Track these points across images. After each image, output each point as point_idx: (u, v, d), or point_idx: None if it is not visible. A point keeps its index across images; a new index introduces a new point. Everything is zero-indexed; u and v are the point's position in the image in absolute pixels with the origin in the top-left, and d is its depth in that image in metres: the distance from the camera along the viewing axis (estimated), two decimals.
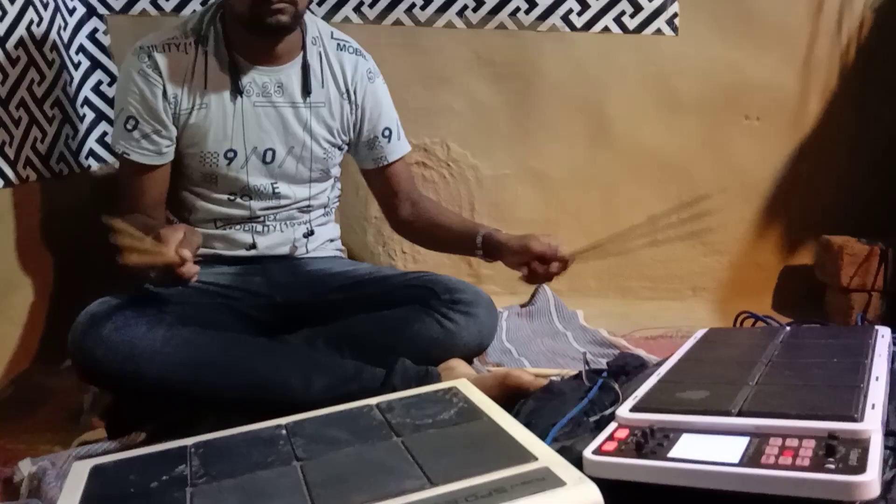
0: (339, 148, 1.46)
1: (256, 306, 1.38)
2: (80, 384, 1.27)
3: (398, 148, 1.50)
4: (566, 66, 1.88)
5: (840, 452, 0.69)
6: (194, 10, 1.72)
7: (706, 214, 1.43)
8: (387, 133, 1.47)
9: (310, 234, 1.46)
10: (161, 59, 1.29)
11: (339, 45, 1.43)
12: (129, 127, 1.30)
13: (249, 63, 1.34)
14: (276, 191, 1.40)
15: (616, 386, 0.99)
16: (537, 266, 1.32)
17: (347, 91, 1.42)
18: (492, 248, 1.40)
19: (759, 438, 0.75)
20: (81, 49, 1.68)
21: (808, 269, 1.93)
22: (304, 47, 1.37)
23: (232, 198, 1.38)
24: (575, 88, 1.90)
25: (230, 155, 1.35)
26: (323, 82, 1.40)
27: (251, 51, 1.33)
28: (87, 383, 1.22)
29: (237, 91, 1.33)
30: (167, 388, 1.15)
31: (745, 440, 0.75)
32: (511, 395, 1.09)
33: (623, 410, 0.87)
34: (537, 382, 1.11)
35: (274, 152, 1.37)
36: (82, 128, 1.67)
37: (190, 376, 1.16)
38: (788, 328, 1.20)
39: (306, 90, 1.37)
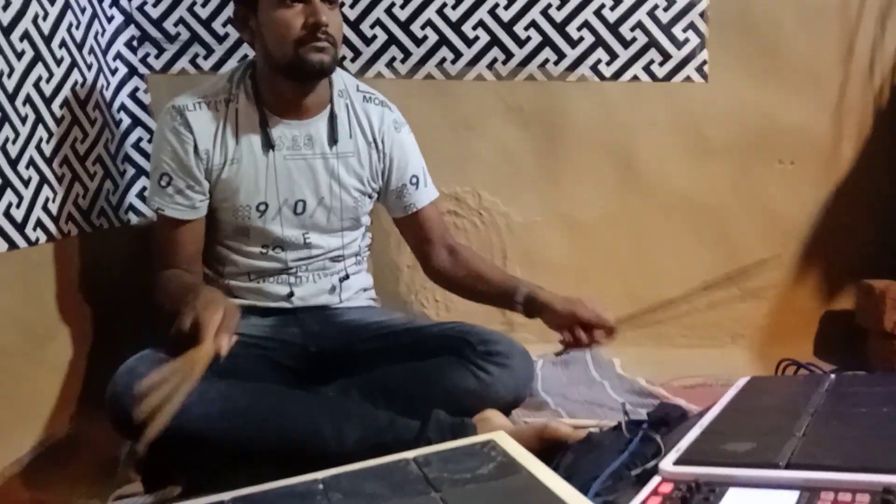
0: (370, 196, 1.47)
1: (291, 356, 1.39)
2: (116, 436, 1.27)
3: (426, 194, 1.51)
4: (595, 113, 1.89)
5: None
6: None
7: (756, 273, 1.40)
8: (414, 180, 1.49)
9: (344, 278, 1.47)
10: (192, 117, 1.33)
11: (364, 97, 1.45)
12: (163, 184, 1.34)
13: (279, 117, 1.37)
14: (308, 241, 1.41)
15: (657, 438, 0.97)
16: (581, 334, 1.31)
17: (375, 140, 1.44)
18: (534, 308, 1.39)
19: (810, 493, 0.73)
20: (123, 107, 1.73)
21: (850, 313, 1.88)
22: (331, 100, 1.41)
23: (264, 250, 1.40)
24: (604, 134, 1.91)
25: (262, 208, 1.37)
26: (351, 133, 1.42)
27: (281, 105, 1.37)
28: (124, 437, 1.23)
29: (268, 145, 1.36)
30: (202, 441, 1.15)
31: (795, 494, 0.73)
32: (549, 448, 1.07)
33: (666, 463, 0.84)
34: (576, 434, 1.09)
35: (305, 203, 1.39)
36: (123, 183, 1.71)
37: (224, 429, 1.16)
38: (833, 376, 1.16)
39: (333, 139, 1.39)
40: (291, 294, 1.42)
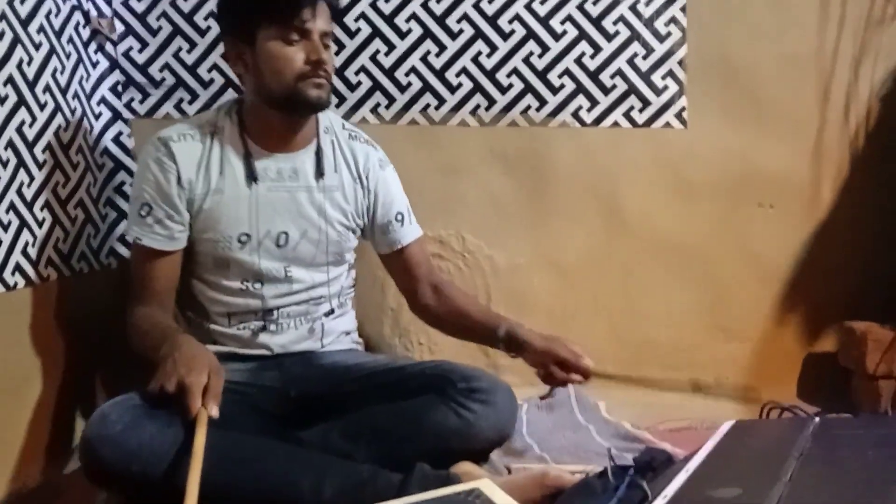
0: (353, 232, 1.48)
1: (271, 401, 1.37)
2: (90, 486, 1.24)
3: (411, 231, 1.52)
4: (577, 158, 1.92)
5: None
6: None
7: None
8: (399, 217, 1.50)
9: (329, 312, 1.47)
10: (176, 148, 1.34)
11: (350, 134, 1.48)
12: (143, 213, 1.34)
13: (265, 150, 1.38)
14: (289, 275, 1.41)
15: (644, 484, 0.96)
16: (556, 371, 1.33)
17: (360, 176, 1.46)
18: (514, 344, 1.41)
19: None
20: (106, 152, 1.73)
21: (833, 355, 1.89)
22: (317, 135, 1.43)
23: (244, 286, 1.39)
24: (586, 179, 1.93)
25: (243, 239, 1.37)
26: (336, 167, 1.44)
27: (268, 138, 1.38)
28: (95, 485, 1.19)
29: (252, 177, 1.36)
30: (175, 490, 1.12)
31: None
32: (551, 496, 1.06)
33: None
34: (576, 480, 1.08)
35: (287, 235, 1.39)
36: (104, 227, 1.70)
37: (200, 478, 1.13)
38: (817, 419, 1.16)
39: (319, 172, 1.41)
40: (269, 346, 1.41)
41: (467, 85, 1.86)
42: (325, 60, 1.31)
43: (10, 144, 1.36)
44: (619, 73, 1.87)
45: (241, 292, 1.39)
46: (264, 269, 1.39)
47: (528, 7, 1.84)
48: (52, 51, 1.49)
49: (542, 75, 1.86)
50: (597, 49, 1.86)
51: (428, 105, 1.86)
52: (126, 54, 1.77)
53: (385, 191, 1.49)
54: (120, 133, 1.76)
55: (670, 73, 1.88)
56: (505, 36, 1.84)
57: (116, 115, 1.76)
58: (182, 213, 1.35)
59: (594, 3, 1.84)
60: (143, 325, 1.31)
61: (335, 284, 1.48)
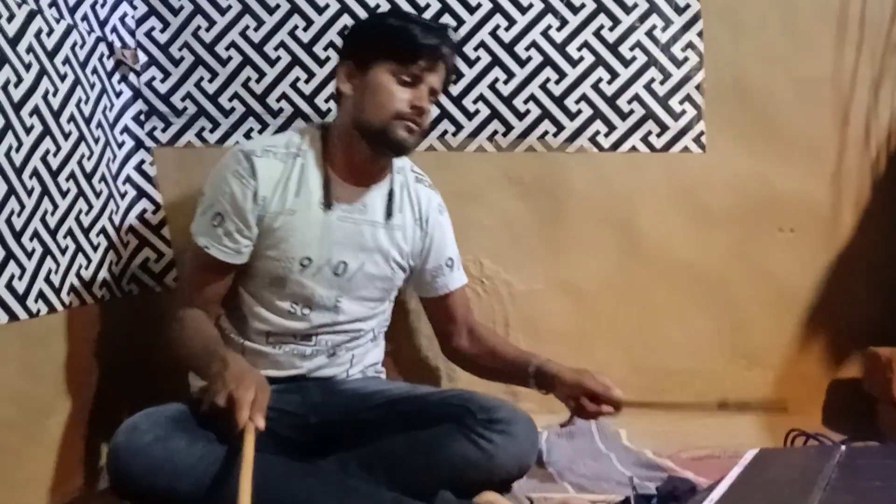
0: (404, 270, 1.50)
1: (290, 426, 1.37)
2: None
3: (458, 278, 1.56)
4: (594, 183, 1.91)
5: None
6: (237, 142, 1.80)
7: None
8: (450, 263, 1.53)
9: (364, 345, 1.49)
10: (259, 163, 1.36)
11: (417, 177, 1.52)
12: (215, 223, 1.35)
13: (342, 180, 1.40)
14: (338, 305, 1.42)
15: None
16: (587, 403, 1.34)
17: (421, 219, 1.49)
18: (545, 381, 1.42)
19: None
20: (128, 180, 1.76)
21: (857, 381, 1.86)
22: (391, 174, 1.46)
23: (293, 309, 1.40)
24: (603, 204, 1.92)
25: (305, 262, 1.38)
26: (402, 208, 1.47)
27: (347, 169, 1.41)
28: (121, 498, 1.20)
29: (326, 204, 1.38)
30: None
31: None
32: None
33: None
34: None
35: (346, 265, 1.41)
36: (125, 254, 1.72)
37: (221, 495, 1.13)
38: (844, 447, 1.14)
39: (387, 210, 1.44)
40: (301, 367, 1.42)
41: (484, 111, 1.87)
42: (425, 110, 1.35)
43: (35, 173, 1.38)
44: (637, 98, 1.87)
45: (289, 314, 1.40)
46: (317, 295, 1.40)
47: (545, 34, 1.85)
48: (76, 81, 1.52)
49: (559, 101, 1.87)
50: (614, 74, 1.86)
51: (445, 132, 1.87)
52: (149, 84, 1.80)
53: (440, 236, 1.52)
54: (142, 161, 1.79)
55: (688, 98, 1.87)
56: (522, 63, 1.86)
57: (139, 144, 1.79)
58: (252, 228, 1.36)
59: (611, 30, 1.85)
60: (192, 336, 1.32)
61: (373, 321, 1.50)
